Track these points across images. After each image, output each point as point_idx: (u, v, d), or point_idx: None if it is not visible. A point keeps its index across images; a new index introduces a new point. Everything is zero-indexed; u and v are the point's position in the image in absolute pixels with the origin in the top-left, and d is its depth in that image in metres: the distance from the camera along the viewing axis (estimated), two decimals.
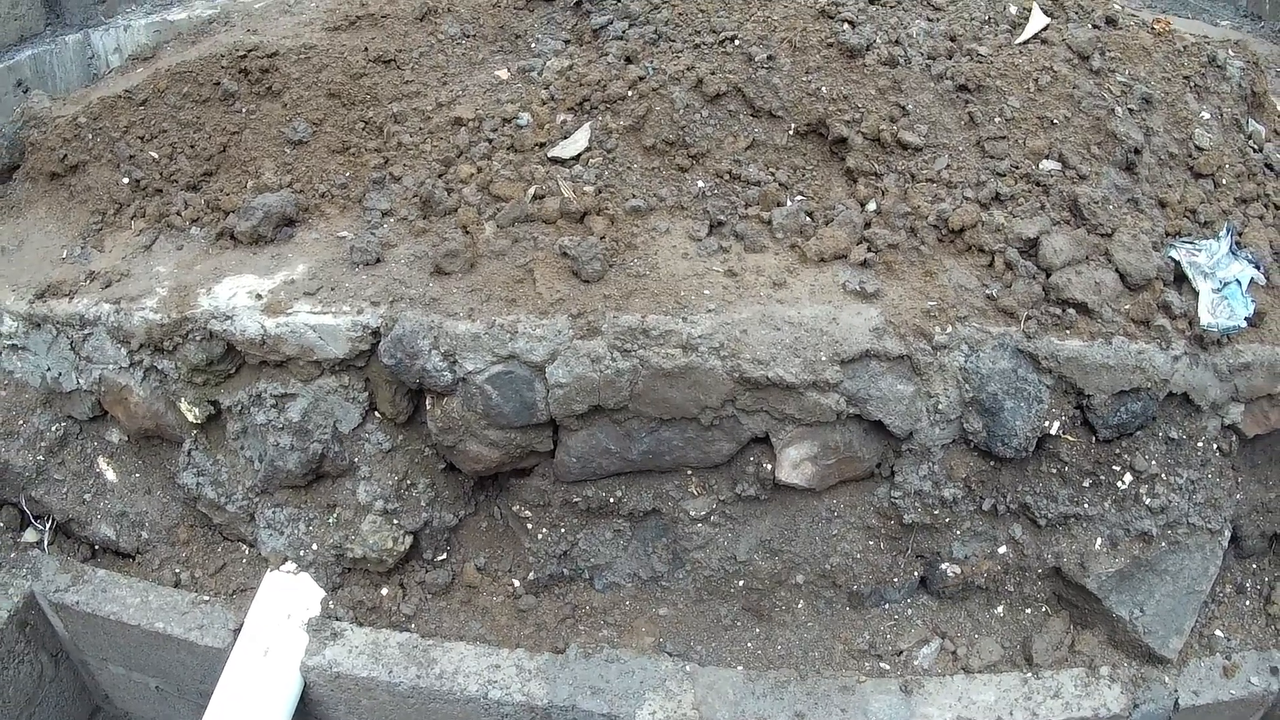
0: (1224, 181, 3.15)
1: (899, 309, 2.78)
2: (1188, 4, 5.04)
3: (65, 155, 3.57)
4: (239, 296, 2.99)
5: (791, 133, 3.18)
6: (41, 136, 3.68)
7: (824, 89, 3.15)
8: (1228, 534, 3.06)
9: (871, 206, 3.02)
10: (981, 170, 3.03)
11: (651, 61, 3.28)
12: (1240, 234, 3.03)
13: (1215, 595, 3.18)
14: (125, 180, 3.51)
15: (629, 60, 3.33)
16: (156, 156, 3.51)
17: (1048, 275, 2.83)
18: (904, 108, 3.11)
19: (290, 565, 3.15)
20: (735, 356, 2.69)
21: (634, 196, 3.08)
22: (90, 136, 3.58)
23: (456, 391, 2.83)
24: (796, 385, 2.69)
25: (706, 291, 2.81)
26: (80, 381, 3.23)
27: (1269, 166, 3.27)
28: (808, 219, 3.02)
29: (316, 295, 2.96)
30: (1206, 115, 3.25)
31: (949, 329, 2.74)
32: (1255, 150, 3.30)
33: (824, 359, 2.69)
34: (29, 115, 3.80)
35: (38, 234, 3.53)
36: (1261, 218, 3.12)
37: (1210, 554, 3.02)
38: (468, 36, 3.70)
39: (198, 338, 3.00)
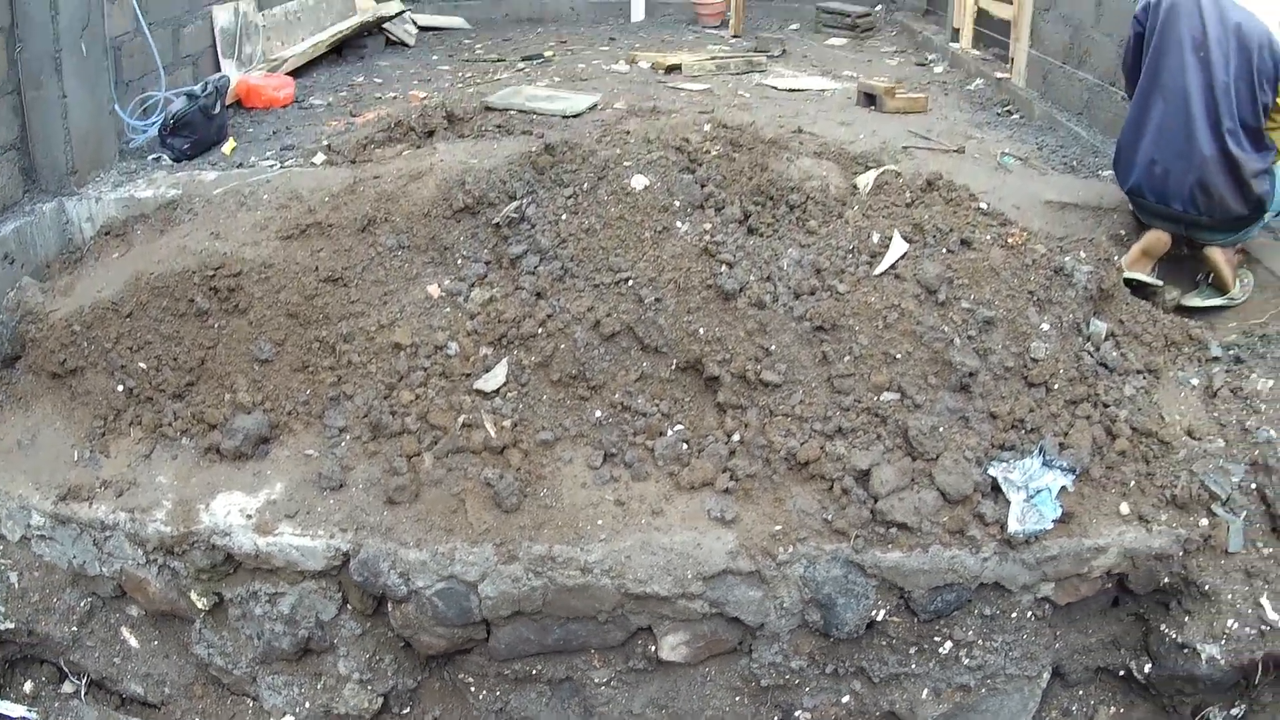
0: (1056, 387, 4.14)
1: (752, 533, 3.89)
2: (1079, 167, 5.99)
3: (64, 359, 4.56)
4: (233, 515, 4.08)
5: (674, 368, 4.29)
6: (39, 334, 4.65)
7: (701, 330, 4.25)
8: (1046, 675, 4.15)
9: (736, 438, 4.10)
10: (829, 405, 4.11)
11: (558, 299, 4.37)
12: (1065, 436, 4.02)
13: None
14: (120, 388, 4.52)
15: (539, 296, 4.41)
16: (145, 367, 4.52)
17: (876, 501, 3.90)
18: (767, 349, 4.20)
19: (289, 718, 4.30)
20: (621, 577, 3.84)
21: (544, 429, 4.20)
22: (85, 344, 4.57)
23: (410, 600, 3.95)
24: (669, 597, 3.85)
25: (600, 521, 3.94)
26: (103, 570, 4.30)
27: (1103, 364, 4.27)
28: (685, 447, 4.13)
29: (296, 518, 4.05)
30: (1046, 326, 4.23)
31: (790, 548, 3.86)
32: (1093, 351, 4.28)
33: (690, 576, 3.84)
34: (25, 309, 4.79)
35: (48, 431, 4.54)
36: (1088, 417, 4.10)
37: (1029, 694, 4.15)
38: (403, 248, 4.71)
39: (202, 548, 4.08)
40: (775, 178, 4.80)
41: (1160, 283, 4.98)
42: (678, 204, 4.66)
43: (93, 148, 5.82)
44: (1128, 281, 4.78)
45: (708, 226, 4.56)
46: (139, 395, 4.51)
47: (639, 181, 4.70)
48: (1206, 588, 3.87)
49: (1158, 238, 4.96)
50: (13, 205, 5.42)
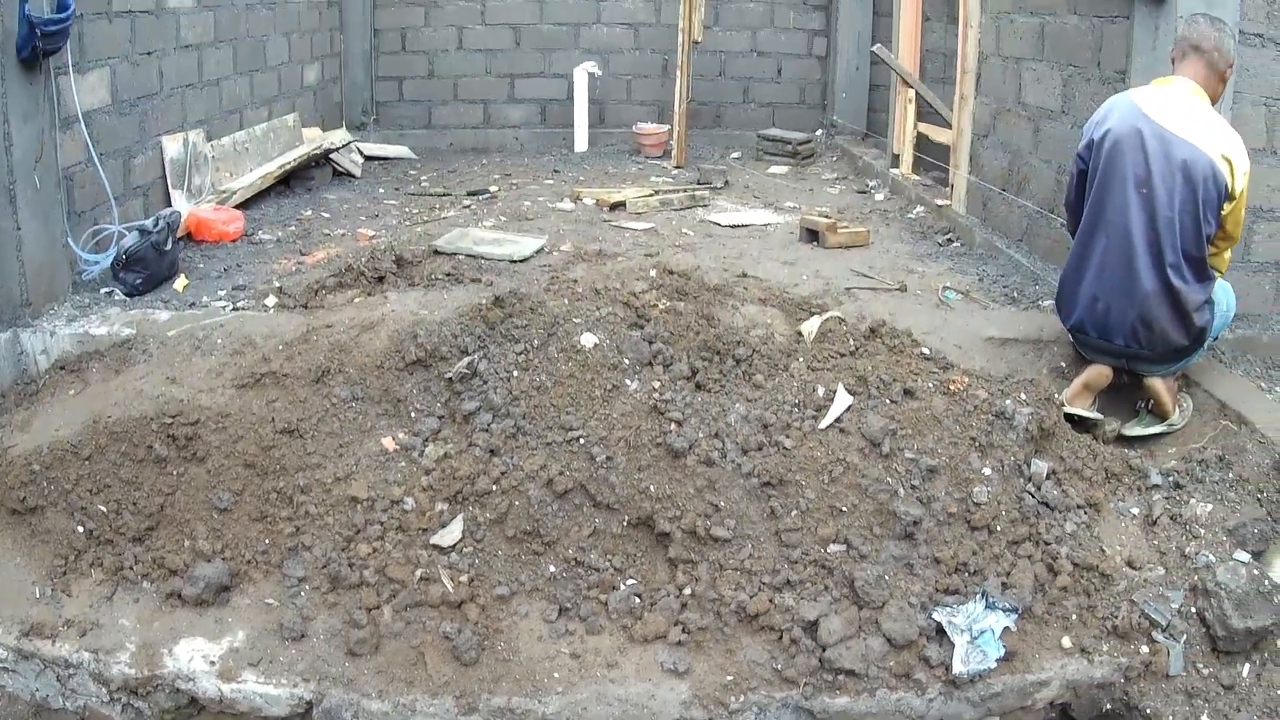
0: (998, 529, 4.37)
1: (704, 683, 4.08)
2: (1019, 297, 6.31)
3: (24, 498, 4.69)
4: (196, 660, 4.22)
5: (626, 524, 4.50)
6: None
7: (652, 487, 4.47)
8: None
9: (688, 591, 4.31)
10: (778, 559, 4.34)
11: (512, 457, 4.57)
12: (1007, 577, 4.24)
13: None
14: (80, 529, 4.66)
15: (493, 453, 4.61)
16: (105, 510, 4.67)
17: (824, 649, 4.10)
18: (717, 506, 4.43)
19: None
20: None
21: (500, 583, 4.38)
22: (45, 484, 4.71)
23: None
24: None
25: (556, 675, 4.12)
26: (66, 704, 4.40)
27: (1044, 503, 4.50)
28: (637, 601, 4.32)
29: (259, 666, 4.20)
30: (988, 470, 4.48)
31: (742, 697, 4.05)
32: (1034, 491, 4.51)
33: None
34: None
35: (8, 565, 4.64)
36: (1030, 556, 4.32)
37: None
38: (357, 399, 4.90)
39: (166, 690, 4.22)
40: (722, 332, 5.08)
41: (1101, 416, 5.19)
42: (627, 362, 4.92)
43: (46, 280, 5.98)
44: (1069, 417, 4.99)
45: (656, 384, 4.82)
46: (99, 537, 4.64)
47: (588, 339, 4.97)
48: (1149, 711, 4.07)
49: (1099, 372, 5.16)
50: None
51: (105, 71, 6.97)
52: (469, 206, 8.87)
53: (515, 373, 4.89)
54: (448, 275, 6.18)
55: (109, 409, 4.94)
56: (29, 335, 5.67)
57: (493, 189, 9.58)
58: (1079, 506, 4.54)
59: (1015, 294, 6.34)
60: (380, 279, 6.09)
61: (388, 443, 4.80)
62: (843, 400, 4.67)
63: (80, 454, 4.76)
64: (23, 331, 5.67)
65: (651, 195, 8.87)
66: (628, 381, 4.85)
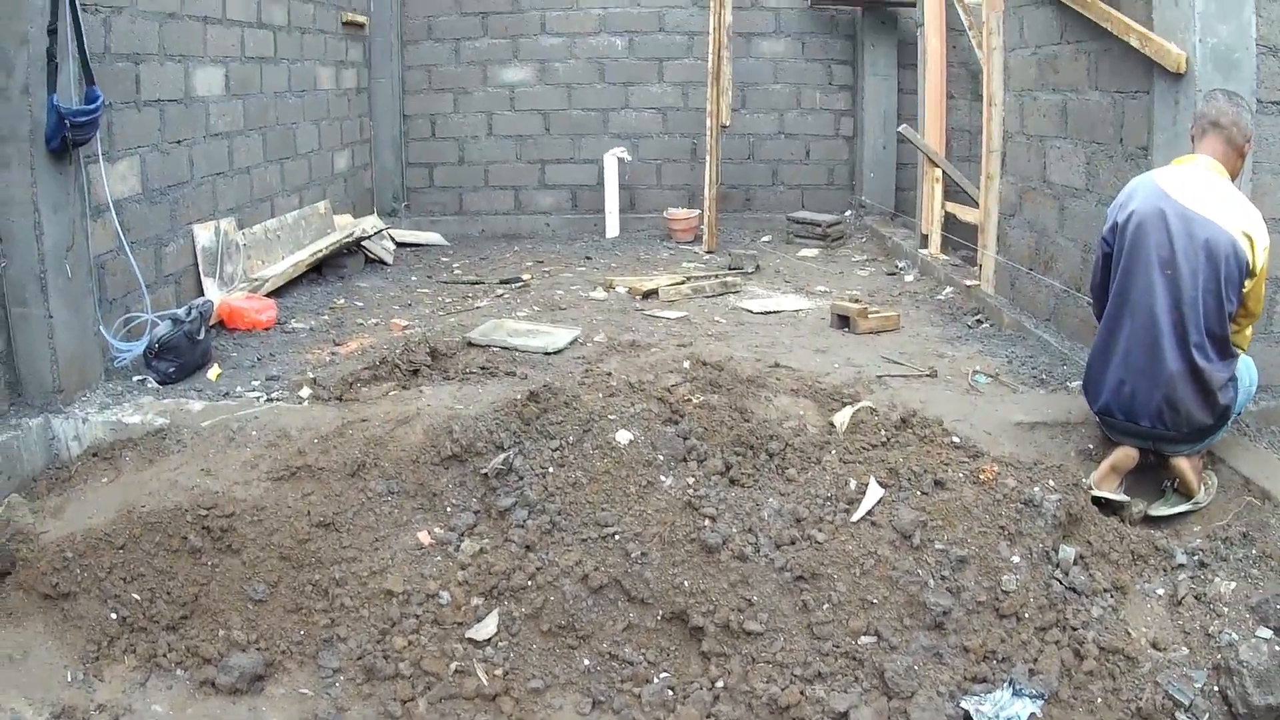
0: (1026, 616, 4.42)
1: None
2: (1048, 378, 6.39)
3: (57, 583, 4.77)
4: None
5: (660, 618, 4.58)
6: (30, 554, 4.87)
7: (686, 582, 4.55)
8: None
9: (720, 684, 4.36)
10: (809, 651, 4.40)
11: (547, 553, 4.66)
12: (1034, 663, 4.29)
13: None
14: (113, 615, 4.73)
15: (529, 549, 4.70)
16: (138, 598, 4.75)
17: None
18: (750, 600, 4.51)
19: None
20: None
21: (535, 677, 4.45)
22: (78, 570, 4.80)
23: None
24: None
25: None
26: None
27: (1071, 588, 4.55)
28: (670, 694, 4.38)
29: None
30: (1016, 558, 4.54)
31: None
32: (1061, 577, 4.57)
33: None
34: (14, 528, 5.01)
35: (40, 648, 4.70)
36: (1057, 642, 4.37)
37: None
38: (393, 494, 5.00)
39: None
40: (755, 426, 5.20)
41: (1127, 498, 5.20)
42: (661, 458, 5.04)
43: (79, 367, 6.12)
44: (1096, 500, 5.04)
45: (690, 480, 4.93)
46: (133, 624, 4.72)
47: (623, 436, 5.10)
48: None
49: (1126, 454, 5.19)
50: None
51: (135, 160, 7.15)
52: (502, 295, 9.00)
53: (551, 469, 5.01)
54: (482, 369, 6.32)
55: (143, 499, 5.05)
56: (61, 421, 5.81)
57: (525, 277, 9.71)
58: (1105, 590, 4.59)
59: (1044, 375, 6.42)
60: (415, 371, 6.23)
61: (423, 537, 4.89)
62: (874, 493, 4.76)
63: (114, 542, 4.85)
64: (54, 417, 5.81)
65: (683, 283, 9.00)
66: (662, 478, 4.96)
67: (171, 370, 6.50)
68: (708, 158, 11.14)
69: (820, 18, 12.48)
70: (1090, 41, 6.42)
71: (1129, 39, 5.77)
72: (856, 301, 7.75)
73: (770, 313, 8.17)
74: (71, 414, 5.84)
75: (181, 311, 6.73)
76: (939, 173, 9.50)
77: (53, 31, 5.74)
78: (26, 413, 5.81)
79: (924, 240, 9.89)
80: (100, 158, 6.44)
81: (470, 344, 6.90)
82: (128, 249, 6.78)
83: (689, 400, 5.31)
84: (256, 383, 6.49)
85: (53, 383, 5.92)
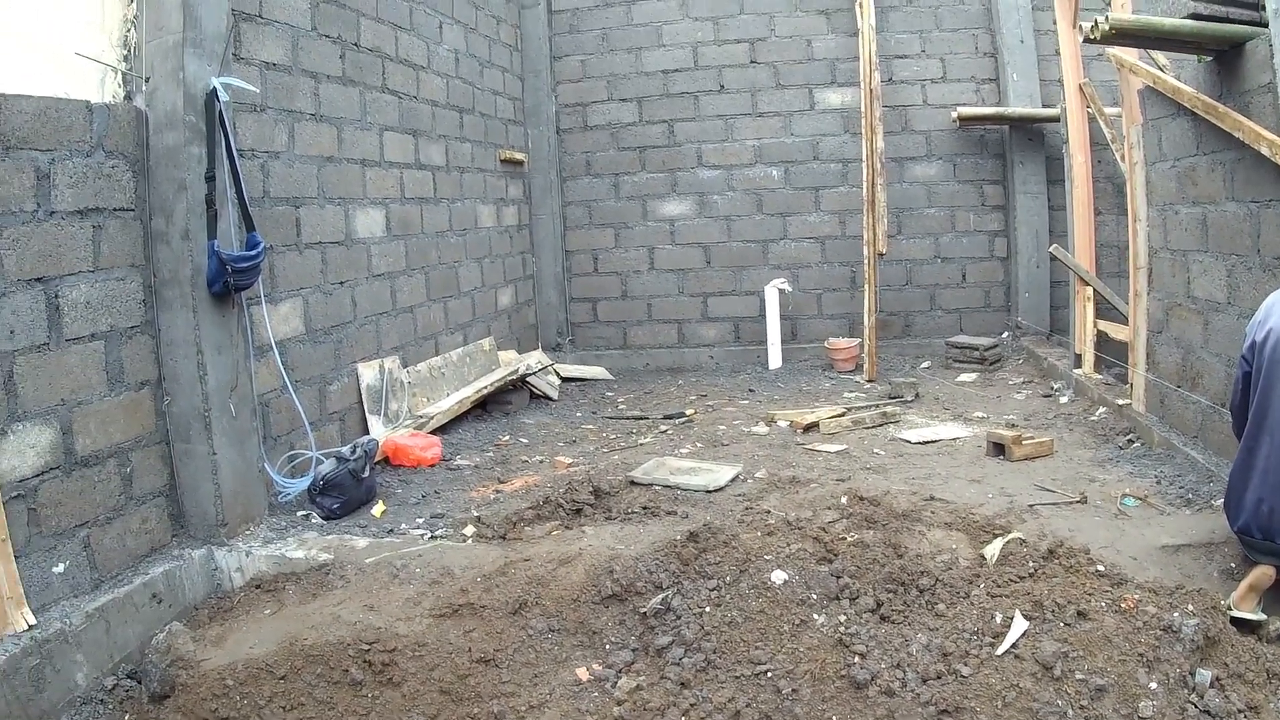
0: None
1: None
2: (1194, 498, 6.31)
3: (216, 709, 4.95)
4: None
5: None
6: (190, 680, 5.08)
7: (834, 717, 4.53)
8: None
9: None
10: None
11: (702, 689, 4.73)
12: None
13: None
14: None
15: (684, 685, 4.79)
16: None
17: None
18: None
19: None
20: None
21: None
22: (238, 698, 4.98)
23: None
24: None
25: None
26: None
27: (1207, 712, 4.46)
28: None
29: None
30: (1154, 685, 4.49)
31: None
32: (1198, 700, 4.49)
33: None
34: (175, 654, 5.23)
35: None
36: None
37: None
38: (553, 631, 5.15)
39: None
40: (907, 563, 5.27)
41: (1265, 617, 5.10)
42: (814, 597, 5.12)
43: (242, 503, 6.44)
44: (1234, 620, 4.96)
45: (842, 618, 5.00)
46: None
47: (779, 576, 5.21)
48: None
49: (1265, 573, 5.09)
50: (161, 548, 6.04)
51: (298, 301, 7.55)
52: (665, 431, 9.14)
53: (708, 608, 5.12)
54: (644, 508, 6.48)
55: (305, 631, 5.26)
56: (224, 553, 6.11)
57: (689, 412, 9.86)
58: (1240, 711, 4.49)
59: (1190, 495, 6.35)
60: (578, 511, 6.41)
61: (581, 673, 5.00)
62: (1019, 626, 4.78)
63: (275, 672, 5.04)
64: (218, 549, 6.11)
65: (843, 415, 9.07)
66: (815, 615, 5.03)
67: (336, 506, 6.77)
68: (866, 286, 11.25)
69: (969, 138, 12.59)
70: (1225, 151, 6.43)
71: (1260, 147, 5.77)
72: (1012, 428, 7.85)
73: (928, 442, 8.21)
74: (235, 547, 6.14)
75: (346, 450, 7.00)
76: (1090, 291, 9.48)
77: (210, 178, 6.13)
78: (189, 544, 6.12)
79: (1078, 360, 9.85)
80: (263, 299, 6.80)
81: (633, 483, 7.06)
82: (291, 388, 7.12)
83: (844, 539, 5.39)
84: (421, 520, 6.71)
85: (216, 516, 6.22)
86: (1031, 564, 5.20)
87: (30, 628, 4.99)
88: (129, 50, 6.17)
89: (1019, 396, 9.96)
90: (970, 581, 5.16)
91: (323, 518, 6.73)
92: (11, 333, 5.18)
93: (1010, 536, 5.45)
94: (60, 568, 5.33)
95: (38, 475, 5.25)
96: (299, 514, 6.79)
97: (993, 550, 5.36)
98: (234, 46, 6.74)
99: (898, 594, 5.11)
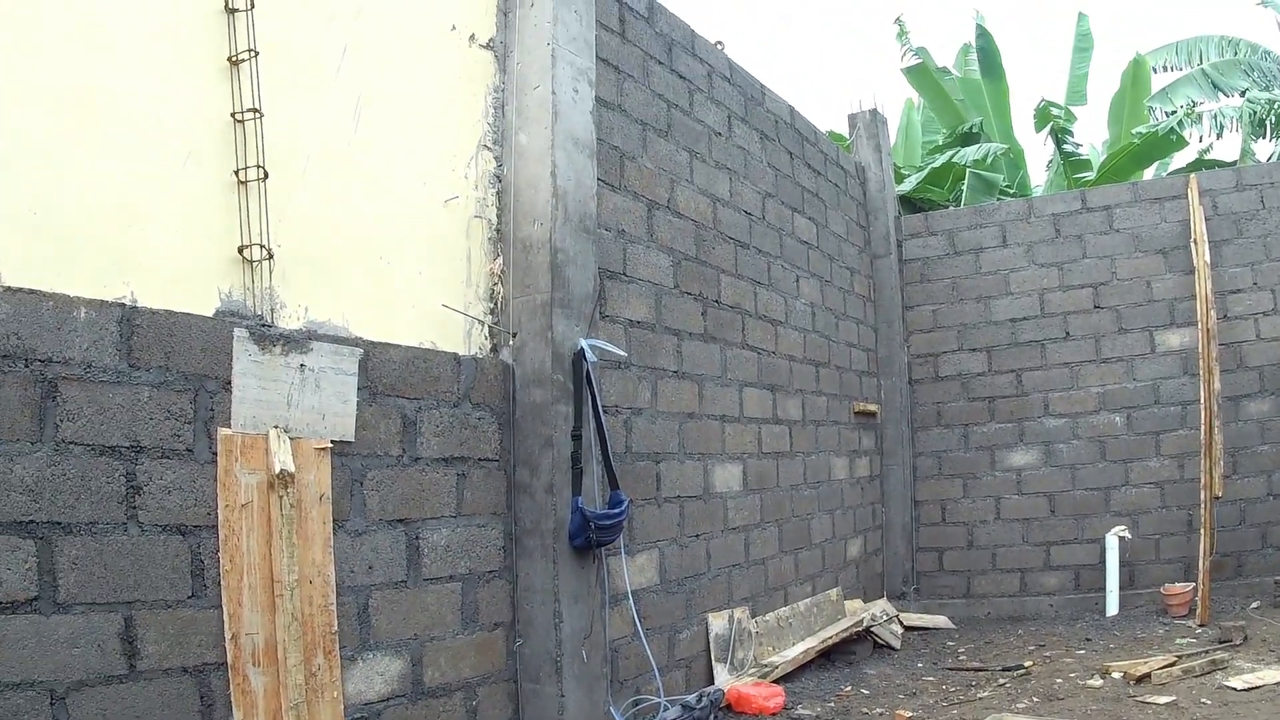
0: None
1: None
2: None
3: None
4: None
5: None
6: None
7: None
8: None
9: None
10: None
11: None
12: None
13: None
14: None
15: None
16: None
17: None
18: None
19: None
20: None
21: None
22: None
23: None
24: None
25: None
26: None
27: None
28: None
29: None
30: None
31: None
32: None
33: None
34: None
35: None
36: None
37: None
38: None
39: None
40: None
41: None
42: None
43: None
44: None
45: None
46: None
47: None
48: None
49: None
50: None
51: (654, 553, 7.44)
52: (1003, 685, 8.62)
53: None
54: None
55: None
56: None
57: (1027, 664, 9.28)
58: None
59: None
60: None
61: None
62: None
63: None
64: None
65: (1173, 665, 8.44)
66: None
67: None
68: (1202, 530, 10.58)
69: None
70: None
71: None
72: None
73: (1253, 688, 7.61)
74: None
75: (692, 699, 6.81)
76: None
77: (577, 436, 6.14)
78: None
79: None
80: (622, 550, 6.74)
81: None
82: (643, 637, 6.97)
83: None
84: None
85: None
86: None
87: None
88: (495, 304, 6.35)
89: None
90: None
91: None
92: (370, 568, 5.27)
93: None
94: None
95: (383, 700, 5.27)
96: None
97: None
98: (600, 305, 6.82)
99: None
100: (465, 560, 5.80)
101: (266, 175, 5.00)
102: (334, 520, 5.09)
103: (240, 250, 4.92)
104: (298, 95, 5.32)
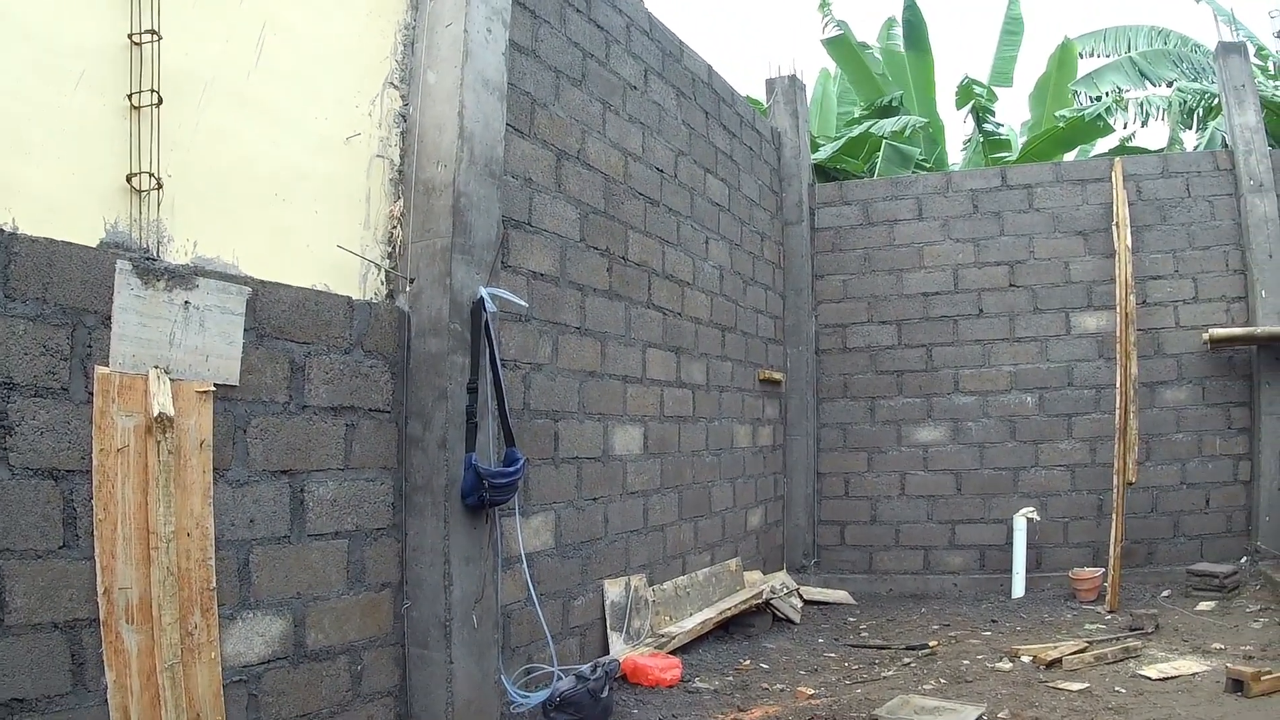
0: None
1: None
2: None
3: None
4: None
5: None
6: None
7: None
8: None
9: None
10: None
11: None
12: None
13: None
14: None
15: None
16: None
17: None
18: None
19: None
20: None
21: None
22: None
23: None
24: None
25: None
26: None
27: None
28: None
29: None
30: None
31: None
32: None
33: None
34: None
35: None
36: None
37: None
38: None
39: None
40: None
41: None
42: None
43: (474, 711, 6.09)
44: None
45: None
46: None
47: None
48: None
49: None
50: None
51: (550, 516, 7.33)
52: (909, 664, 8.62)
53: None
54: None
55: None
56: None
57: (931, 644, 9.28)
58: None
59: None
60: None
61: None
62: None
63: None
64: None
65: (1084, 650, 8.55)
66: None
67: None
68: (1114, 515, 10.76)
69: (1219, 360, 11.89)
70: None
71: None
72: (1249, 660, 7.67)
73: (1168, 678, 7.72)
74: None
75: (586, 669, 6.70)
76: None
77: (473, 389, 5.99)
78: None
79: None
80: (516, 512, 6.59)
81: None
82: (536, 601, 6.86)
83: None
84: None
85: None
86: None
87: None
88: (393, 248, 6.17)
89: (1256, 625, 9.31)
90: None
91: None
92: (252, 521, 5.09)
93: None
94: None
95: (264, 663, 5.10)
96: None
97: None
98: (502, 254, 6.66)
99: None
100: (352, 516, 5.63)
101: (161, 101, 4.79)
102: (215, 469, 4.89)
103: (129, 179, 4.69)
104: (199, 19, 5.10)
